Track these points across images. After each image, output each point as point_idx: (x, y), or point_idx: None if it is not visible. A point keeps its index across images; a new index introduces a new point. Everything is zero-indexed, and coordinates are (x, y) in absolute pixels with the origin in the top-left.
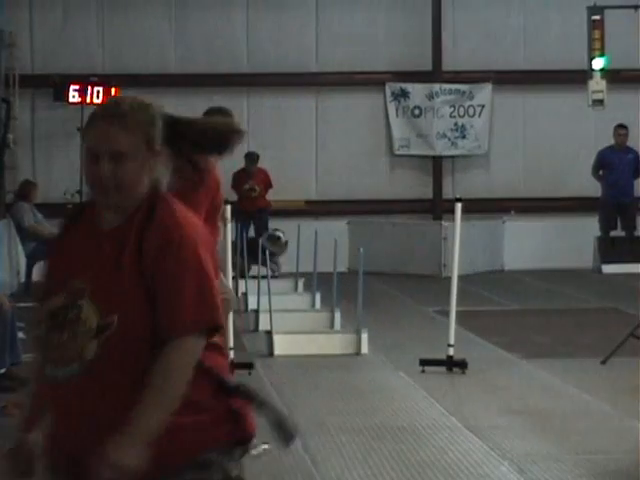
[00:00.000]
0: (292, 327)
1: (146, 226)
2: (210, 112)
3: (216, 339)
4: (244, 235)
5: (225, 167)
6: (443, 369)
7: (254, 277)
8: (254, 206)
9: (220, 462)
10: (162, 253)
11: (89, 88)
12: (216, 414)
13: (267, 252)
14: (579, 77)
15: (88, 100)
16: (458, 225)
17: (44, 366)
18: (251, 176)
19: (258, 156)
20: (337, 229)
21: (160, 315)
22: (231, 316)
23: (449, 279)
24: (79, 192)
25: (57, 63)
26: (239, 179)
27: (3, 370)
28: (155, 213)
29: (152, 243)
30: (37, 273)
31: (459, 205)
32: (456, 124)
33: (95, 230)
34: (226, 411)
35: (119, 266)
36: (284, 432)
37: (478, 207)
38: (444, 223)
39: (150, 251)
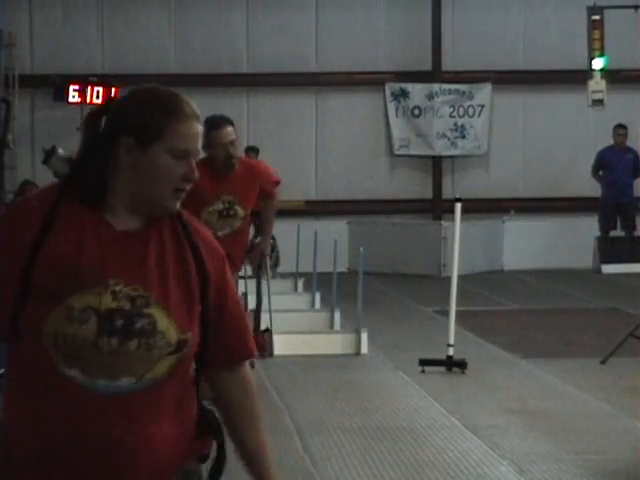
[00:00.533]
0: (292, 327)
1: (191, 238)
2: (211, 120)
3: None
4: None
5: None
6: (443, 369)
7: (253, 277)
8: None
9: (198, 471)
10: (222, 275)
11: (89, 88)
12: (197, 427)
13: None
14: (579, 77)
15: (88, 100)
16: (458, 225)
17: (66, 370)
18: None
19: (258, 150)
20: (337, 229)
21: (229, 338)
22: None
23: (449, 279)
24: None
25: (57, 63)
26: None
27: (3, 370)
28: (190, 224)
29: (212, 263)
30: None
31: (459, 205)
32: (456, 124)
33: (105, 226)
34: (202, 424)
35: (186, 280)
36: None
37: (478, 207)
38: (444, 223)
39: (213, 272)
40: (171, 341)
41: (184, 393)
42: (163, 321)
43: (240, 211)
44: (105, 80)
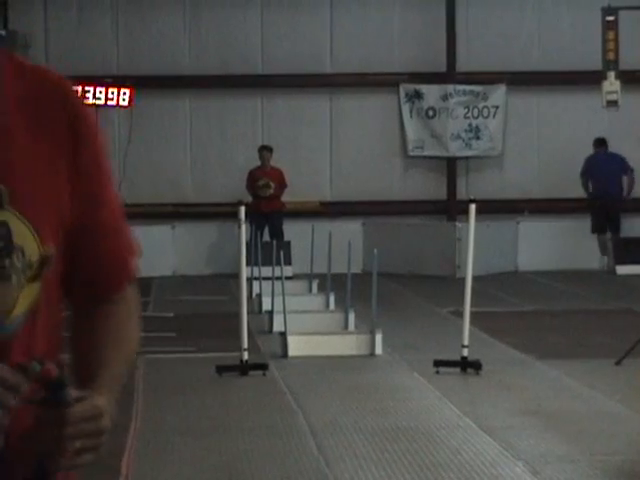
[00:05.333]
0: (306, 328)
1: None
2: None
3: None
4: (259, 239)
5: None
6: (457, 370)
7: (268, 278)
8: (269, 207)
9: None
10: None
11: (104, 90)
12: None
13: (282, 254)
14: (593, 78)
15: (103, 102)
16: (472, 226)
17: None
18: (266, 173)
19: (272, 149)
20: (351, 230)
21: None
22: (245, 317)
23: (463, 280)
24: None
25: (72, 65)
26: (253, 176)
27: None
28: None
29: None
30: None
31: (473, 206)
32: (470, 125)
33: None
34: None
35: None
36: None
37: (492, 208)
38: (458, 224)
39: None
40: (32, 260)
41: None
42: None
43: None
44: (120, 81)
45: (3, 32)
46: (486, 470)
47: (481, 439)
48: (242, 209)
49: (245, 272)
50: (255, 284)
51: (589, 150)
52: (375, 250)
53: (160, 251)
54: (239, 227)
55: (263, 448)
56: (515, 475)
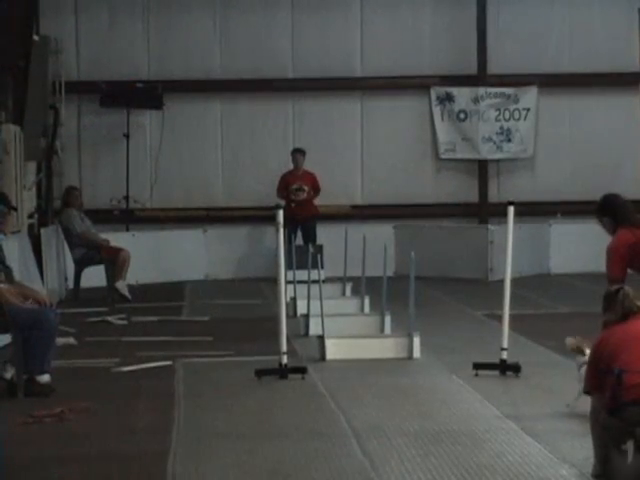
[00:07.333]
0: (342, 331)
1: None
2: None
3: None
4: (292, 242)
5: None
6: (496, 372)
7: (304, 282)
8: (302, 211)
9: None
10: None
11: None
12: None
13: (318, 257)
14: (627, 79)
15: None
16: (510, 228)
17: None
18: (300, 177)
19: (305, 151)
20: (383, 233)
21: None
22: (284, 320)
23: (496, 283)
24: (126, 198)
25: (103, 69)
26: (286, 180)
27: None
28: None
29: None
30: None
31: (511, 208)
32: (501, 127)
33: None
34: None
35: None
36: None
37: (524, 210)
38: (490, 226)
39: None
40: None
41: None
42: None
43: None
44: (151, 86)
45: (36, 37)
46: (532, 473)
47: (525, 442)
48: (280, 212)
49: (284, 276)
50: (289, 287)
51: (622, 152)
52: (412, 253)
53: (192, 255)
54: (277, 230)
55: (307, 451)
56: (562, 478)
